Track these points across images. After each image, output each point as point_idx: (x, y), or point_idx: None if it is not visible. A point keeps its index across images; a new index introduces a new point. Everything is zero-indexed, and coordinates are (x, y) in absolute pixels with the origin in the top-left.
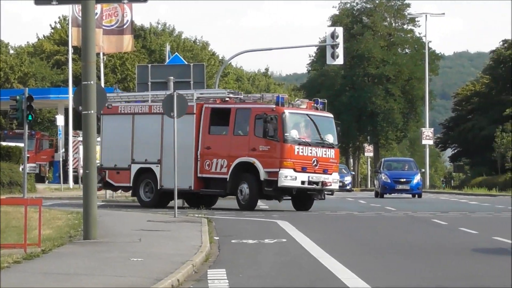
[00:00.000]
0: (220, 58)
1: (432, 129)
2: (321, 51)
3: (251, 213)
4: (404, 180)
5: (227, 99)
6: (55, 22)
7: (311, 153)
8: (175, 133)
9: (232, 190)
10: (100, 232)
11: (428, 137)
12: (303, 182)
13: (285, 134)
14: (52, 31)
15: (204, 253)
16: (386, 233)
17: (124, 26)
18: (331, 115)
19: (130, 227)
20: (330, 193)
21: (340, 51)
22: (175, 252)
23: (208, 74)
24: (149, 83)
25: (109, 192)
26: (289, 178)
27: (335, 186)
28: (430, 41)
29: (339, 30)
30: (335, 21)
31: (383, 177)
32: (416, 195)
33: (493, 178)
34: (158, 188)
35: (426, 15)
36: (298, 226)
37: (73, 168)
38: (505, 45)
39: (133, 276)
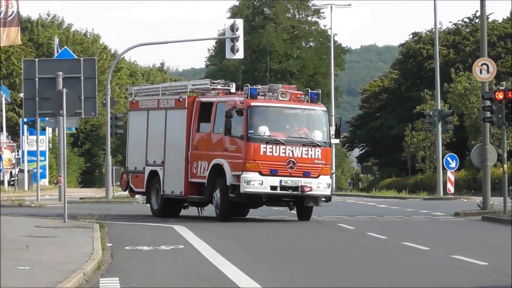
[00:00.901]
0: (112, 52)
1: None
2: (220, 44)
3: (147, 218)
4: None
5: (213, 91)
6: None
7: (284, 153)
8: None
9: (210, 196)
10: None
11: (333, 136)
12: (274, 188)
13: (249, 132)
14: None
15: (96, 261)
16: (290, 240)
17: (9, 18)
18: (323, 108)
19: (17, 233)
20: (324, 200)
21: (240, 44)
22: (65, 260)
23: (100, 69)
24: (36, 79)
25: None
26: (253, 182)
27: (323, 191)
28: (336, 34)
29: (239, 22)
30: (235, 12)
31: None
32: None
33: (403, 179)
34: (161, 194)
35: (331, 7)
36: (197, 232)
37: None
38: (415, 38)
39: (19, 286)
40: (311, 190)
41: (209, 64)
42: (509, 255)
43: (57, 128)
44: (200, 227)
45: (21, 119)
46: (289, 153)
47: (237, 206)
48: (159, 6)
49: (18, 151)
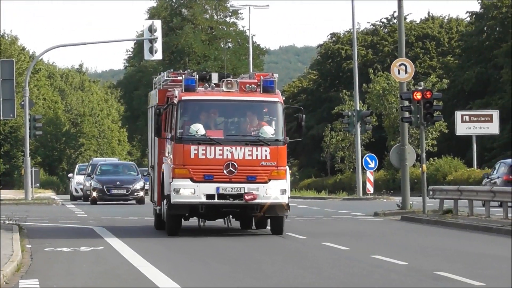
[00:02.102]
0: (31, 53)
1: None
2: (139, 46)
3: (67, 220)
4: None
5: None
6: None
7: (222, 154)
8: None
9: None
10: None
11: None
12: (210, 196)
13: (179, 131)
14: None
15: (16, 263)
16: (213, 242)
17: None
18: (275, 99)
19: None
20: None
21: (158, 45)
22: None
23: (18, 71)
24: None
25: None
26: (183, 191)
27: (275, 199)
28: (254, 35)
29: (157, 24)
30: (153, 14)
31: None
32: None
33: (322, 180)
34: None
35: (249, 8)
36: (117, 233)
37: None
38: (333, 38)
39: None
40: (255, 198)
41: (127, 65)
42: (427, 254)
43: None
44: (121, 228)
45: None
46: (227, 155)
47: (243, 216)
48: (78, 7)
49: None
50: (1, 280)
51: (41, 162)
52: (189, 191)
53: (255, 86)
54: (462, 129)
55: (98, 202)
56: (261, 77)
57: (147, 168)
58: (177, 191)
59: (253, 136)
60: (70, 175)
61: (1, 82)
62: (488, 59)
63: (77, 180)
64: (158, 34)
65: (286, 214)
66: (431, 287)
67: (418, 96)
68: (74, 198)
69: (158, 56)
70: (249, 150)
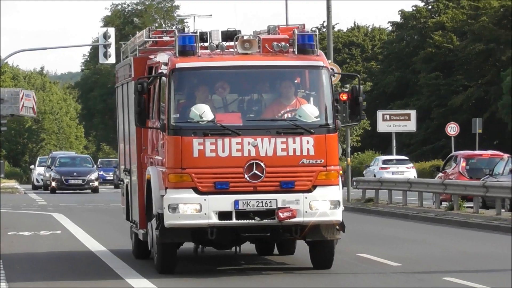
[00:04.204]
0: None
1: None
2: (94, 50)
3: (29, 207)
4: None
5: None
6: None
7: (240, 150)
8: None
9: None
10: None
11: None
12: (224, 215)
13: (172, 117)
14: None
15: None
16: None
17: None
18: (320, 62)
19: None
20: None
21: (112, 50)
22: None
23: None
24: None
25: None
26: (183, 208)
27: (324, 215)
28: None
29: (111, 31)
30: (107, 22)
31: None
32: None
33: None
34: (130, 223)
35: (194, 17)
36: (73, 218)
37: None
38: None
39: None
40: (294, 215)
41: (84, 68)
42: (351, 238)
43: None
44: (78, 215)
45: None
46: (249, 151)
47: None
48: (39, 14)
49: None
50: None
51: (5, 155)
52: (192, 208)
53: (287, 45)
54: (383, 126)
55: (57, 191)
56: (295, 30)
57: (114, 168)
58: (173, 208)
59: (288, 121)
60: (32, 166)
61: None
62: (407, 65)
63: (38, 171)
64: (112, 40)
65: (339, 237)
66: (354, 269)
67: (344, 97)
68: (35, 188)
69: (112, 60)
70: (282, 143)
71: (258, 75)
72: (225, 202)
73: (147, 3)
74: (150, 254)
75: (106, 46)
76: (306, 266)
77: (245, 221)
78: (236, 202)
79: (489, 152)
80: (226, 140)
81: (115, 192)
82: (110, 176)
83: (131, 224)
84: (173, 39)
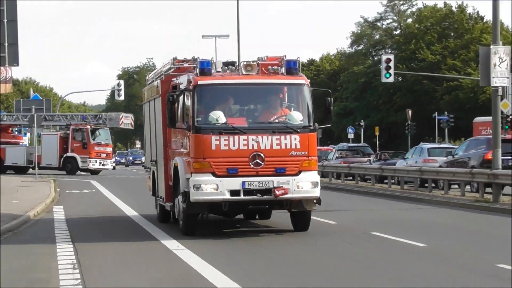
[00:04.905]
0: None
1: None
2: (112, 92)
3: (78, 176)
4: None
5: (186, 73)
6: None
7: (246, 145)
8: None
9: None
10: None
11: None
12: (235, 193)
13: (196, 120)
14: None
15: (51, 198)
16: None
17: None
18: (302, 81)
19: (12, 184)
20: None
21: (122, 92)
22: (35, 197)
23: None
24: None
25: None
26: (205, 187)
27: (307, 192)
28: None
29: (121, 82)
30: (119, 76)
31: None
32: None
33: None
34: (156, 198)
35: (215, 38)
36: (102, 183)
37: None
38: None
39: (13, 210)
40: (286, 192)
41: (107, 102)
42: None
43: None
44: (106, 180)
45: None
46: (253, 145)
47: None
48: (83, 72)
49: None
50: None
51: None
52: (211, 187)
53: (278, 68)
54: None
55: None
56: (284, 57)
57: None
58: (197, 187)
59: (281, 123)
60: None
61: None
62: None
63: None
64: (122, 87)
65: (315, 208)
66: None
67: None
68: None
69: (122, 97)
70: (276, 139)
71: (258, 89)
72: (235, 183)
73: (141, 67)
74: (170, 219)
75: (119, 90)
76: (285, 228)
77: (250, 197)
78: (243, 183)
79: None
80: (236, 137)
81: (124, 169)
82: (123, 160)
83: (158, 198)
84: (191, 65)
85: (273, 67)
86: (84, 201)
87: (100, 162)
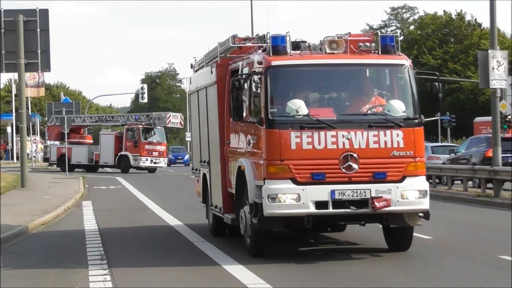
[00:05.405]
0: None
1: None
2: (136, 95)
3: (103, 173)
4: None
5: (246, 55)
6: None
7: (335, 142)
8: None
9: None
10: (29, 183)
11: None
12: (321, 205)
13: (270, 112)
14: (5, 83)
15: (80, 193)
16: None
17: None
18: (404, 61)
19: (44, 181)
20: (422, 216)
21: (145, 95)
22: (66, 193)
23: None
24: None
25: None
26: (282, 198)
27: (414, 204)
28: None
29: (145, 86)
30: (142, 81)
31: None
32: None
33: None
34: (210, 206)
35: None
36: (128, 180)
37: (16, 153)
38: None
39: (45, 205)
40: (389, 204)
41: (132, 104)
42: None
43: None
44: (132, 178)
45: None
46: (344, 143)
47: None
48: (109, 77)
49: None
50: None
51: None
52: (291, 198)
53: (372, 45)
54: None
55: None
56: (378, 32)
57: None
58: (272, 197)
59: (379, 115)
60: None
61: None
62: None
63: None
64: (145, 90)
65: (420, 223)
66: None
67: None
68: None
69: (145, 100)
70: (374, 136)
71: (348, 72)
72: (322, 192)
73: (163, 71)
74: (226, 232)
75: (142, 93)
76: (372, 245)
77: (341, 210)
78: (333, 192)
79: None
80: (322, 133)
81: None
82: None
83: (211, 207)
84: (256, 45)
85: (365, 44)
86: (110, 197)
87: (152, 160)
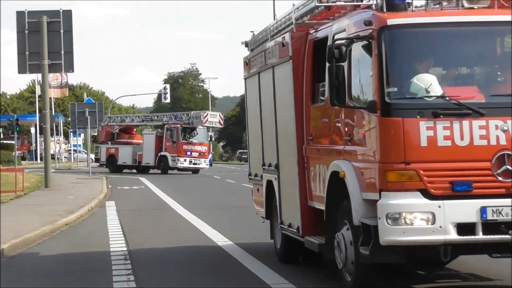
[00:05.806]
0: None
1: None
2: (159, 95)
3: (128, 174)
4: None
5: (334, 17)
6: (31, 81)
7: (485, 137)
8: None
9: (332, 240)
10: (53, 184)
11: None
12: (465, 229)
13: (387, 91)
14: (28, 84)
15: (104, 193)
16: (201, 185)
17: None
18: None
19: (68, 181)
20: None
21: (168, 96)
22: (89, 193)
23: None
24: None
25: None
26: (408, 218)
27: None
28: (211, 90)
29: (168, 86)
30: (165, 81)
31: None
32: None
33: None
34: (279, 225)
35: (208, 78)
36: (150, 180)
37: (40, 154)
38: None
39: (69, 205)
40: None
41: (155, 104)
42: None
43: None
44: (154, 178)
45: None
46: (498, 137)
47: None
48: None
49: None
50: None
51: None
52: (421, 218)
53: None
54: None
55: None
56: None
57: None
58: (394, 218)
59: None
60: None
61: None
62: None
63: None
64: (168, 90)
65: None
66: None
67: None
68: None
69: (168, 100)
70: None
71: (498, 35)
72: (468, 210)
73: (185, 71)
74: (300, 259)
75: (165, 93)
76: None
77: (496, 236)
78: (483, 210)
79: None
80: (465, 123)
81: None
82: None
83: (281, 225)
84: (347, 3)
85: None
86: (133, 197)
87: (191, 161)
